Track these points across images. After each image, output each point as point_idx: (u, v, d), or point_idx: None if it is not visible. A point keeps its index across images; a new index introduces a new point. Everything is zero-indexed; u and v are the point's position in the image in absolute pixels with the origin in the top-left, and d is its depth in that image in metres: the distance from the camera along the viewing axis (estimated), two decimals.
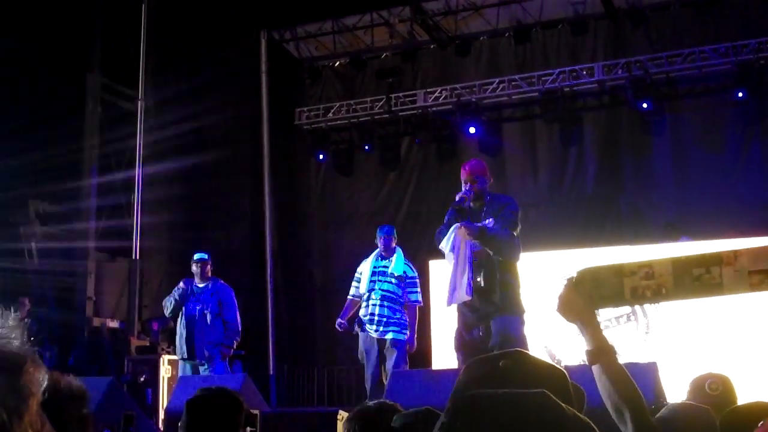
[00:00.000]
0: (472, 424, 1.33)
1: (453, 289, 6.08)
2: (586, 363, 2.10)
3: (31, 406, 1.24)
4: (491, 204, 6.28)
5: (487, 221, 6.11)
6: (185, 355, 8.43)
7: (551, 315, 2.17)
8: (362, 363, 8.15)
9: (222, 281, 8.63)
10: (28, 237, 10.83)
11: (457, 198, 6.21)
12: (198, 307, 8.43)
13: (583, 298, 2.08)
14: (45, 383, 1.28)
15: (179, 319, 8.52)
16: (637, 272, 2.07)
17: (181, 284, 8.53)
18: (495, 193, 6.60)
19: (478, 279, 6.05)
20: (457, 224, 6.06)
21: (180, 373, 8.48)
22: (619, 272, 2.08)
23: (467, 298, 6.01)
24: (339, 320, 8.29)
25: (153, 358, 9.61)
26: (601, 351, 2.06)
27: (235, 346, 8.55)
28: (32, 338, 9.07)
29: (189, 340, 8.41)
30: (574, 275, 2.11)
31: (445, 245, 6.14)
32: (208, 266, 8.52)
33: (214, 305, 8.40)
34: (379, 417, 2.78)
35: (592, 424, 1.38)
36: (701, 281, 2.02)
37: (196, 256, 8.55)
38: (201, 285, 8.51)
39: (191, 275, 8.55)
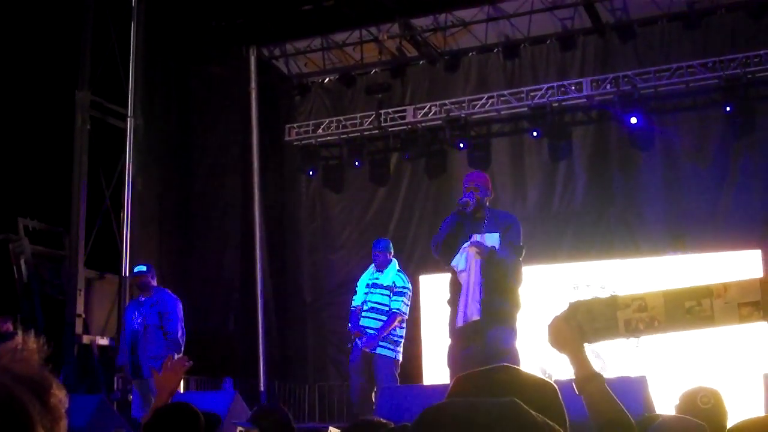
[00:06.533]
0: None
1: (465, 310, 6.10)
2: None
3: (62, 428, 1.23)
4: (492, 218, 6.29)
5: (494, 244, 6.11)
6: (132, 373, 8.18)
7: (544, 330, 2.17)
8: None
9: (168, 291, 8.41)
10: (16, 254, 10.78)
11: (460, 201, 6.22)
12: (138, 321, 8.18)
13: (574, 330, 2.10)
14: (67, 405, 1.27)
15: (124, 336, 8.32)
16: (630, 305, 2.09)
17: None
18: (495, 208, 6.61)
19: (486, 300, 6.08)
20: (468, 243, 6.08)
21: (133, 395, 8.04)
22: (612, 305, 2.10)
23: (476, 317, 6.04)
24: (350, 325, 8.27)
25: None
26: (588, 378, 2.08)
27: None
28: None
29: (134, 357, 8.15)
30: (566, 309, 2.12)
31: (457, 264, 6.16)
32: (146, 278, 8.23)
33: (153, 317, 8.12)
34: None
35: None
36: (692, 313, 2.05)
37: (134, 269, 8.35)
38: (144, 298, 8.28)
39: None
